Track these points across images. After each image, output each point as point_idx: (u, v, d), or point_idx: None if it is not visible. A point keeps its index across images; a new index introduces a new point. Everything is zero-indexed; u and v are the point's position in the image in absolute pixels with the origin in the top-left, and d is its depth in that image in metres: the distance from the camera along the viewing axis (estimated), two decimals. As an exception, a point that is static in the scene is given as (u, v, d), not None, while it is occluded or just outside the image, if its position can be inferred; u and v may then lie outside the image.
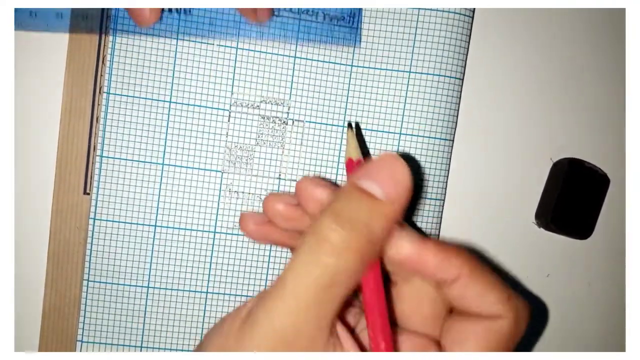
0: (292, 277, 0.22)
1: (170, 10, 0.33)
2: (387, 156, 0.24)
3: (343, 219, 0.22)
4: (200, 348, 0.25)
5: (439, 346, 0.24)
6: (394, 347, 0.23)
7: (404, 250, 0.24)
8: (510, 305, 0.24)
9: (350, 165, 0.27)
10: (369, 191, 0.23)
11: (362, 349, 0.24)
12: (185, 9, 0.33)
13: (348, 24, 0.34)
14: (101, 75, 0.33)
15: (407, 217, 0.35)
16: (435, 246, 0.24)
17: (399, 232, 0.24)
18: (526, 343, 0.39)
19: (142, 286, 0.35)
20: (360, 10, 0.34)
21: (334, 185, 0.27)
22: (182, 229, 0.34)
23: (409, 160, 0.35)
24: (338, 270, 0.22)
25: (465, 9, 0.34)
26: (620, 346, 0.40)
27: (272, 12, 0.33)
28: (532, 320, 0.25)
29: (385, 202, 0.23)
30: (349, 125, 0.29)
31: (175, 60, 0.33)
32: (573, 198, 0.37)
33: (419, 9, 0.34)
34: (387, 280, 0.26)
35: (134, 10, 0.31)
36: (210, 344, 0.24)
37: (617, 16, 0.38)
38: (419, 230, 0.35)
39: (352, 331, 0.26)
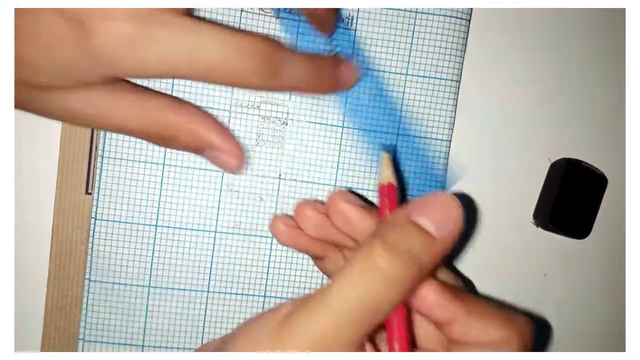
0: (338, 292, 0.23)
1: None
2: (443, 195, 0.25)
3: (398, 250, 0.23)
4: (227, 345, 0.25)
5: None
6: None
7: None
8: (511, 328, 0.25)
9: (385, 190, 0.28)
10: (424, 227, 0.24)
11: None
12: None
13: (346, 26, 0.34)
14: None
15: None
16: (436, 287, 0.25)
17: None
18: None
19: (143, 286, 0.35)
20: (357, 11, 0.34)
21: (363, 201, 0.29)
22: (183, 228, 0.35)
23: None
24: (386, 300, 0.23)
25: (462, 11, 0.34)
26: (620, 346, 0.40)
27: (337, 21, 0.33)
28: (537, 333, 0.26)
29: (438, 240, 0.24)
30: (386, 150, 0.31)
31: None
32: (571, 198, 0.37)
33: (417, 12, 0.34)
34: None
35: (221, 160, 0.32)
36: (239, 342, 0.24)
37: (617, 16, 0.38)
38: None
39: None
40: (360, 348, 0.24)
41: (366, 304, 0.22)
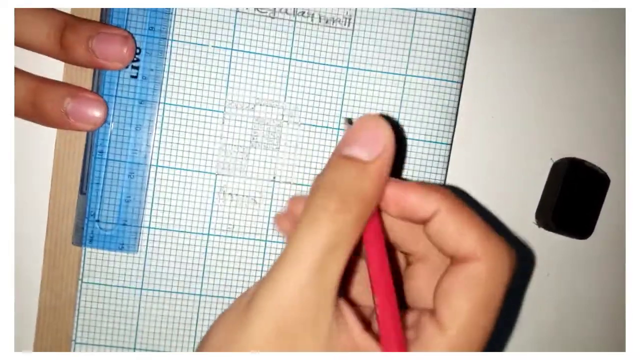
0: (292, 249, 0.23)
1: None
2: (366, 119, 0.25)
3: (335, 188, 0.23)
4: (205, 338, 0.24)
5: (434, 315, 0.24)
6: (401, 331, 0.23)
7: (387, 190, 0.24)
8: (489, 245, 0.23)
9: None
10: (354, 156, 0.24)
11: (365, 323, 0.24)
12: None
13: (344, 25, 0.34)
14: (98, 75, 0.33)
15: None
16: (417, 184, 0.25)
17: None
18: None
19: (136, 288, 0.35)
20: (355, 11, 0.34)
21: None
22: (176, 230, 0.35)
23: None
24: (337, 232, 0.22)
25: (465, 10, 0.34)
26: (620, 346, 0.40)
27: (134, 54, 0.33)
28: (518, 267, 0.24)
29: (370, 161, 0.24)
30: (349, 120, 0.32)
31: (169, 62, 0.33)
32: (573, 198, 0.37)
33: (417, 10, 0.34)
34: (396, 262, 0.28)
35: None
36: (214, 332, 0.24)
37: (617, 16, 0.37)
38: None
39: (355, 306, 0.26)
40: (337, 304, 0.23)
41: (322, 246, 0.22)
